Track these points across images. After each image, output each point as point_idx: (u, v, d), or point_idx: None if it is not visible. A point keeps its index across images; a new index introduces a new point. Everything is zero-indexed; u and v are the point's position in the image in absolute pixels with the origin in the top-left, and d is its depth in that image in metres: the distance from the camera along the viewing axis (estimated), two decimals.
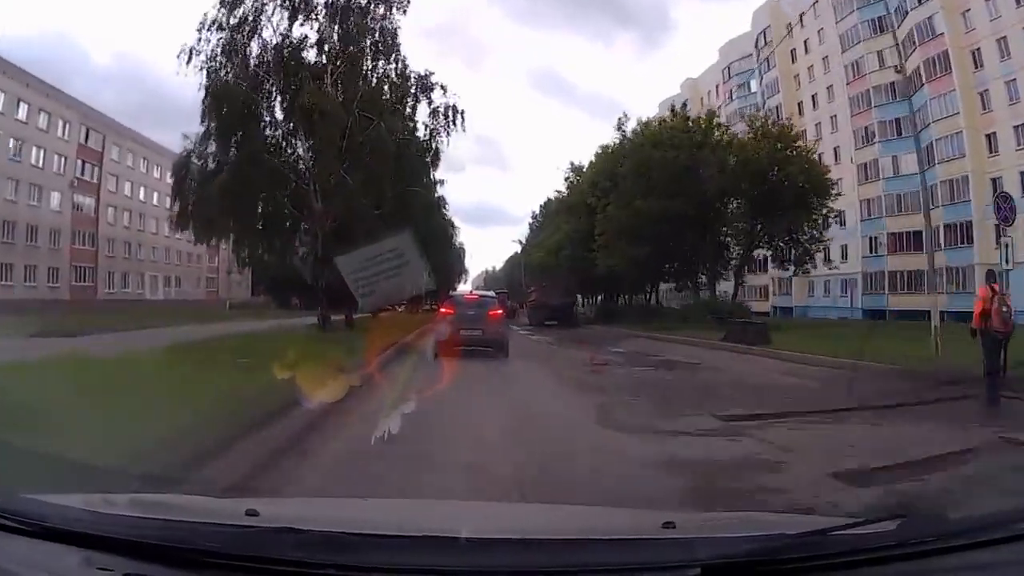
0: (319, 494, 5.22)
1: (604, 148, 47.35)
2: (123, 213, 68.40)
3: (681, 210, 35.01)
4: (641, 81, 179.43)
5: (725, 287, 46.24)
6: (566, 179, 52.18)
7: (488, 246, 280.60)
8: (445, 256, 47.18)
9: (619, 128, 41.02)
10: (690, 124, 37.40)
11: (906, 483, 5.84)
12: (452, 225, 49.45)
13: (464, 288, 74.53)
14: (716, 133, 37.01)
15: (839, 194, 38.63)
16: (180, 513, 2.17)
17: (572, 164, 51.99)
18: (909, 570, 1.80)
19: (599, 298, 60.34)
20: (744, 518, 2.78)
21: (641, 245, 36.10)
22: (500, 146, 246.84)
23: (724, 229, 37.71)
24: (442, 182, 35.27)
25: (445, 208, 41.65)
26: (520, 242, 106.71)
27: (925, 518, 2.27)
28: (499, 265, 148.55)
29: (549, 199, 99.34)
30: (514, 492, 5.44)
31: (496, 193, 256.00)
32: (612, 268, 38.97)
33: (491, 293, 26.24)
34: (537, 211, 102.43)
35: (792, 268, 38.05)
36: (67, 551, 1.83)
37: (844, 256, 57.31)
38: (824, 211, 36.60)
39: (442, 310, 19.99)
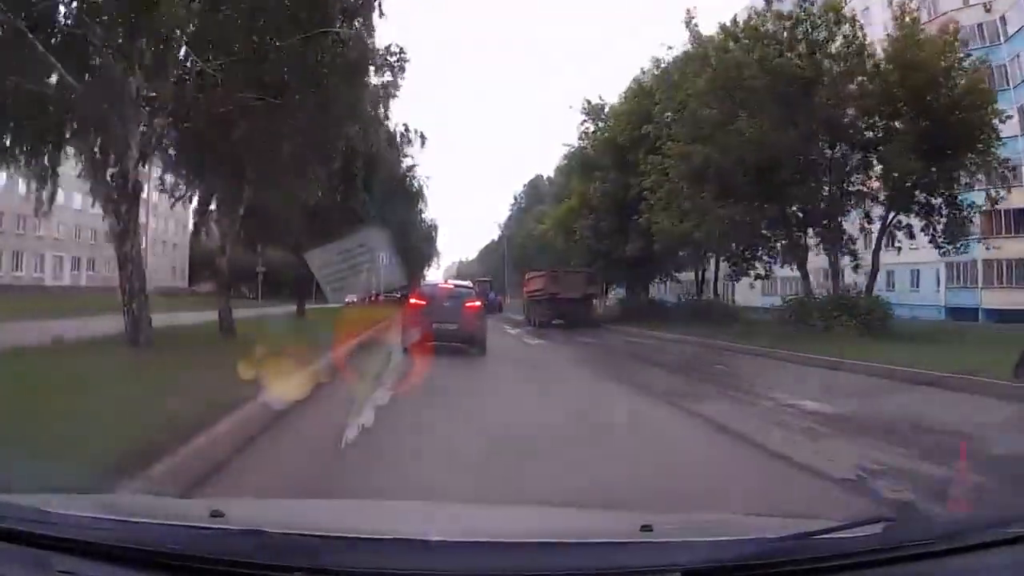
0: (286, 495, 4.53)
1: (666, 52, 31.50)
2: (16, 181, 52.32)
3: (793, 147, 20.58)
4: (623, 56, 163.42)
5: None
6: (582, 125, 37.06)
7: (458, 237, 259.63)
8: (406, 216, 32.43)
9: (688, 26, 24.96)
10: (808, 5, 22.13)
11: (893, 487, 5.15)
12: (412, 133, 30.16)
13: (434, 276, 60.99)
14: (842, 30, 22.09)
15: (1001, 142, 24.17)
16: (143, 514, 1.98)
17: (588, 104, 36.93)
18: (894, 574, 1.67)
19: (623, 289, 44.76)
20: (725, 521, 2.40)
21: (733, 199, 21.63)
22: (470, 130, 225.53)
23: (847, 182, 22.90)
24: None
25: (396, 84, 25.19)
26: (500, 226, 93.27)
27: (911, 522, 2.41)
28: (472, 255, 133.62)
29: (539, 175, 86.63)
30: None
31: (467, 180, 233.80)
32: (687, 237, 23.90)
33: (467, 283, 22.09)
34: (521, 191, 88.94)
35: (943, 244, 23.72)
36: (24, 553, 1.67)
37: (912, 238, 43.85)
38: (998, 154, 22.14)
39: (411, 301, 16.66)
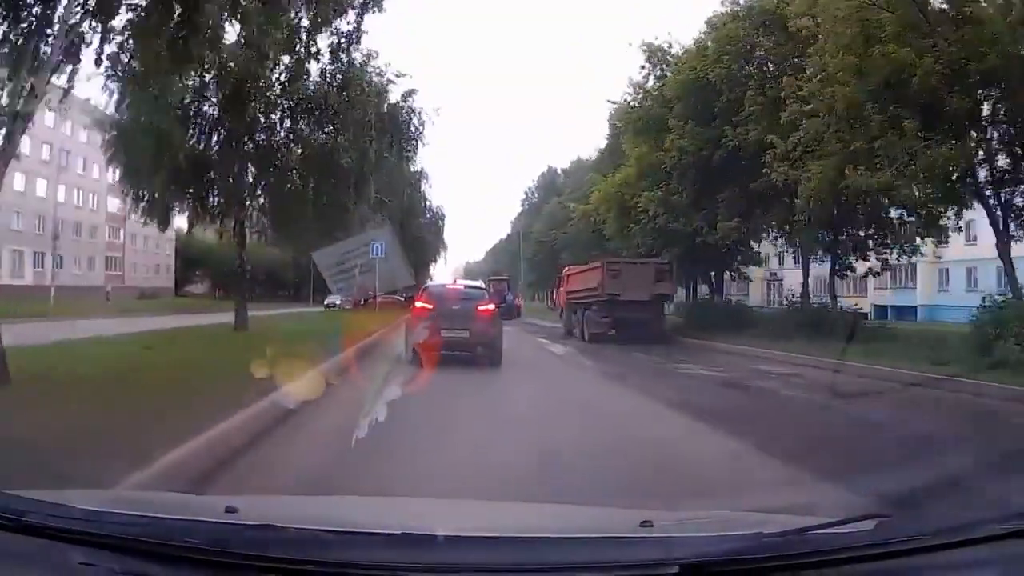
0: (299, 492, 4.44)
1: None
2: None
3: None
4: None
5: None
6: (641, 71, 26.55)
7: (465, 238, 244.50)
8: (401, 182, 26.25)
9: None
10: None
11: (887, 482, 4.79)
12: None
13: (441, 276, 52.39)
14: None
15: None
16: (160, 509, 1.97)
17: (650, 46, 25.81)
18: (887, 569, 1.63)
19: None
20: (722, 517, 2.31)
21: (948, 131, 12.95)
22: (474, 127, 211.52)
23: None
24: None
25: None
26: (511, 222, 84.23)
27: (905, 518, 2.21)
28: (479, 256, 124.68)
29: (552, 168, 77.43)
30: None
31: (473, 179, 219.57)
32: (886, 190, 14.35)
33: (479, 283, 19.35)
34: (532, 186, 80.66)
35: None
36: (45, 546, 1.67)
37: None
38: None
39: (417, 305, 14.43)
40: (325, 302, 44.66)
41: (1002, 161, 15.57)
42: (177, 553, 1.60)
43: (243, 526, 1.70)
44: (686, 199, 23.57)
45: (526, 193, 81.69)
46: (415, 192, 37.63)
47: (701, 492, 5.18)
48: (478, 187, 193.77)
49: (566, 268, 28.13)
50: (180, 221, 22.29)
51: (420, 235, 39.12)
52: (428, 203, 43.74)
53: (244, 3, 9.91)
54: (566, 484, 5.02)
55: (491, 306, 14.59)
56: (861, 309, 25.08)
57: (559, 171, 75.28)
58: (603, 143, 44.24)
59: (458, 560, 1.60)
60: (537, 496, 4.69)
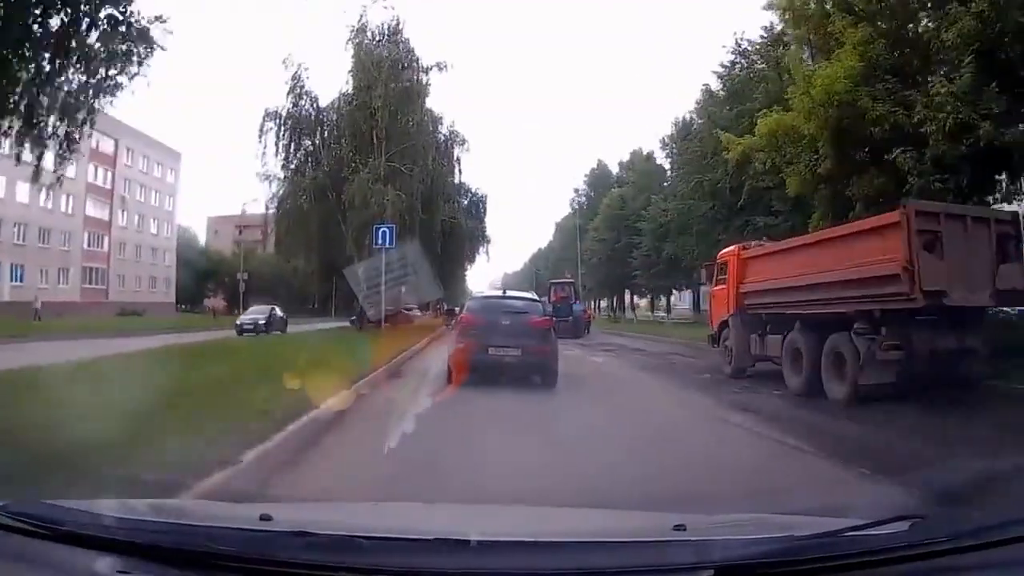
0: (331, 499, 4.49)
1: None
2: None
3: None
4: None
5: None
6: None
7: (499, 250, 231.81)
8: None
9: None
10: None
11: (921, 484, 4.84)
12: None
13: (476, 284, 41.35)
14: None
15: None
16: (196, 518, 2.08)
17: None
18: (921, 570, 1.61)
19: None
20: (755, 520, 2.29)
21: None
22: (506, 136, 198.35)
23: None
24: None
25: None
26: (557, 224, 78.34)
27: (938, 519, 2.12)
28: (517, 267, 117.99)
29: (602, 161, 70.20)
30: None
31: (507, 188, 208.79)
32: None
33: (531, 295, 16.12)
34: (583, 184, 73.03)
35: None
36: (86, 555, 1.69)
37: None
38: None
39: (463, 317, 13.23)
40: (237, 322, 30.88)
41: None
42: (212, 561, 1.60)
43: (278, 533, 1.71)
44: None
45: (575, 191, 75.04)
46: (443, 160, 26.61)
47: (734, 495, 4.89)
48: (513, 194, 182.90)
49: (734, 248, 14.86)
50: None
51: (455, 217, 28.07)
52: (462, 180, 31.55)
53: None
54: None
55: (546, 319, 12.96)
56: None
57: (608, 165, 69.17)
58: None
59: (491, 565, 1.60)
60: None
